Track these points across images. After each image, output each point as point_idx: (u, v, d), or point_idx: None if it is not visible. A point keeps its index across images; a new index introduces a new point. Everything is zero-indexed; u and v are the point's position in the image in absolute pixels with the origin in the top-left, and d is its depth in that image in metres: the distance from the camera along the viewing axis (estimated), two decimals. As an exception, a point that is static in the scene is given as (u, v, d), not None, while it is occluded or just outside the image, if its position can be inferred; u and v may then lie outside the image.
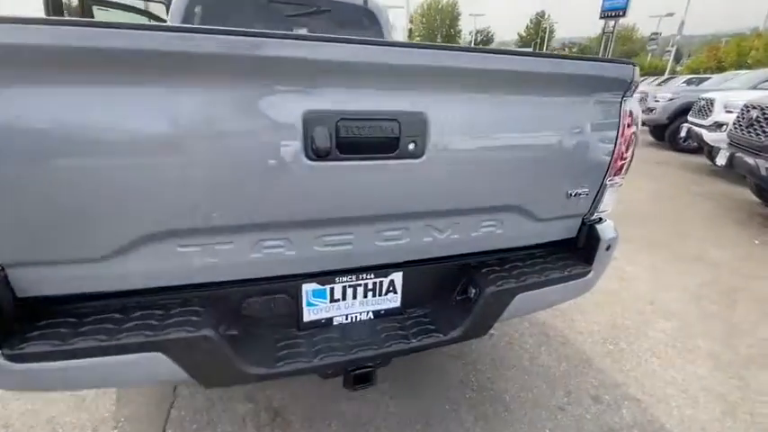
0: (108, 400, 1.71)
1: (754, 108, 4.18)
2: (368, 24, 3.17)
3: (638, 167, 6.89)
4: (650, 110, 8.75)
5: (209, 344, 0.96)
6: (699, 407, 1.80)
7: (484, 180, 1.12)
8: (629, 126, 1.22)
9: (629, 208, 4.44)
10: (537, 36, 58.41)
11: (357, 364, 1.16)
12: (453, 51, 0.95)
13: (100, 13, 3.73)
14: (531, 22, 64.49)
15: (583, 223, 1.37)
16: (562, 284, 1.32)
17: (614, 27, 34.90)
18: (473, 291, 1.25)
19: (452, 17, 63.07)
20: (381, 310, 1.29)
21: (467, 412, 1.72)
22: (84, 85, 0.77)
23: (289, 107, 0.87)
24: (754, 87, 7.38)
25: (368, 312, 1.27)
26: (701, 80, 11.34)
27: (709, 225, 4.14)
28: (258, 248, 1.01)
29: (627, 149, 1.26)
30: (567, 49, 67.11)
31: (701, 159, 7.18)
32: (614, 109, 1.20)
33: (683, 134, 7.18)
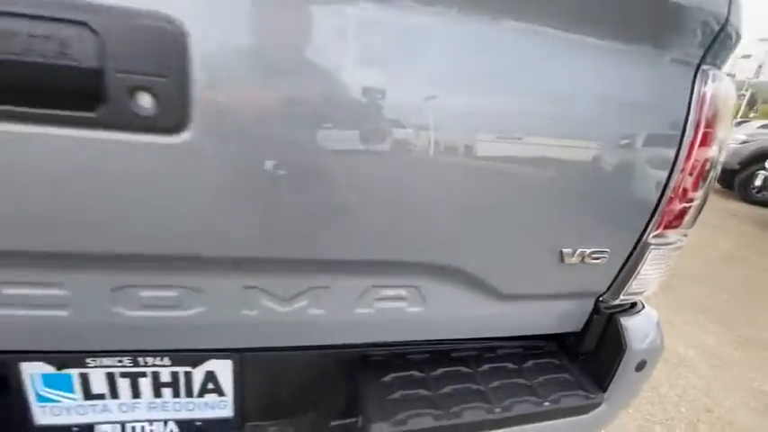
0: None
1: None
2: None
3: (703, 217, 5.80)
4: (718, 152, 7.62)
5: None
6: None
7: (374, 208, 0.52)
8: (707, 128, 0.59)
9: (693, 270, 3.57)
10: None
11: None
12: None
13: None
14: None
15: (596, 310, 0.73)
16: (539, 424, 0.69)
17: (681, 65, 32.79)
18: (359, 418, 0.65)
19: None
20: (196, 420, 0.71)
21: None
22: None
23: None
24: None
25: (166, 422, 0.70)
26: (781, 126, 9.92)
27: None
28: None
29: (698, 179, 0.62)
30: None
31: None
32: (679, 87, 0.57)
33: (757, 183, 6.10)
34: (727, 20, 0.53)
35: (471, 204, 0.56)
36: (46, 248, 0.46)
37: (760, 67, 29.37)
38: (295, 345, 0.64)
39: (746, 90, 33.13)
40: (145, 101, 0.39)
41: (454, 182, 0.54)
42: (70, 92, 0.38)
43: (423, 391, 0.66)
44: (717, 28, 0.54)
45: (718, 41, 0.55)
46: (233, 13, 0.41)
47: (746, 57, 34.93)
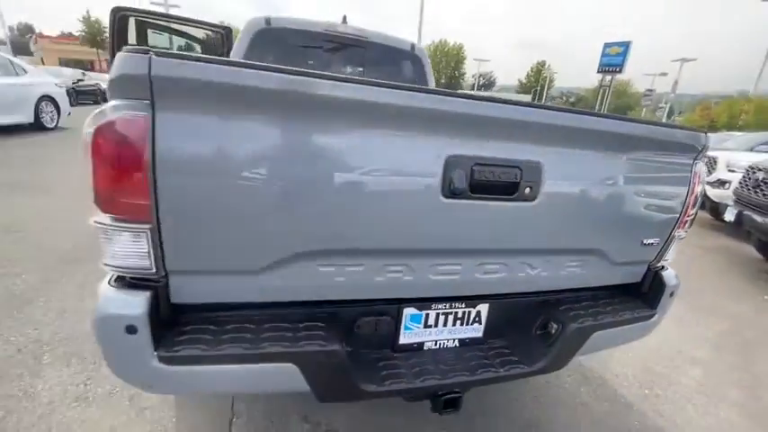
0: (168, 412, 1.73)
1: (760, 170, 4.44)
2: (413, 67, 3.41)
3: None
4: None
5: (337, 359, 1.04)
6: (739, 456, 1.86)
7: (580, 225, 1.25)
8: (697, 185, 1.37)
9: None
10: (537, 84, 60.99)
11: (450, 389, 1.24)
12: (567, 113, 1.10)
13: (154, 36, 3.97)
14: (531, 71, 67.53)
15: (648, 269, 1.49)
16: (630, 326, 1.42)
17: (611, 82, 36.61)
18: (554, 326, 1.34)
19: (458, 60, 65.89)
20: (466, 338, 1.37)
21: (519, 447, 1.76)
22: (276, 120, 0.89)
23: (435, 151, 1.00)
24: (751, 149, 7.79)
25: (454, 340, 1.36)
26: (698, 138, 11.84)
27: (718, 279, 4.29)
28: (382, 272, 1.11)
29: (693, 206, 1.40)
30: (564, 98, 69.83)
31: (702, 214, 7.44)
32: (687, 169, 1.35)
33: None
34: (704, 146, 1.32)
35: (617, 223, 1.30)
36: (469, 247, 1.14)
37: (675, 83, 33.76)
38: (524, 292, 1.33)
39: (666, 103, 37.73)
40: (528, 190, 1.09)
41: (610, 216, 1.28)
42: (509, 190, 1.07)
43: (581, 312, 1.37)
44: (701, 149, 1.32)
45: (701, 153, 1.34)
46: (558, 159, 1.12)
47: (663, 75, 39.97)
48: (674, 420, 2.04)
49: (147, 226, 0.86)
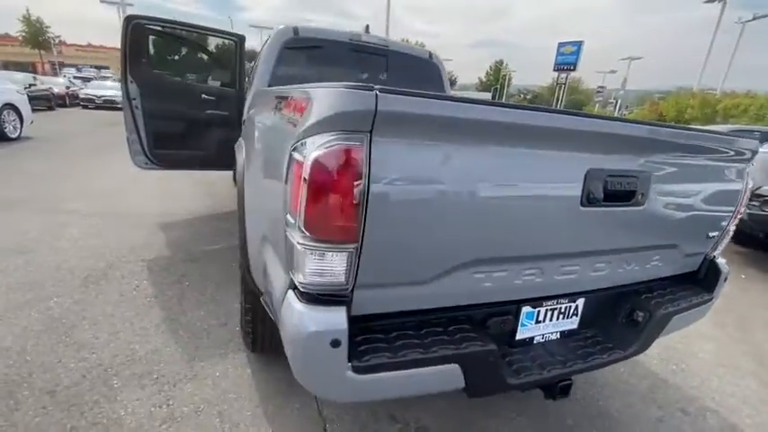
0: (261, 425, 1.76)
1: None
2: (432, 74, 3.55)
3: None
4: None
5: (494, 357, 1.15)
6: (763, 415, 2.14)
7: (669, 222, 1.42)
8: (749, 183, 1.59)
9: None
10: (497, 82, 62.93)
11: (568, 376, 1.37)
12: (668, 128, 1.27)
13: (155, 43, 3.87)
14: (490, 69, 69.60)
15: (705, 259, 1.70)
16: (696, 309, 1.63)
17: (566, 79, 38.49)
18: (641, 314, 1.52)
19: (419, 60, 66.52)
20: (565, 330, 1.51)
21: (588, 427, 1.94)
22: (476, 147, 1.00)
23: (578, 167, 1.13)
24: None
25: (556, 333, 1.50)
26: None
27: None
28: (520, 275, 1.22)
29: (744, 203, 1.62)
30: (522, 95, 72.56)
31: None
32: (743, 170, 1.57)
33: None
34: (756, 150, 1.53)
35: (693, 219, 1.48)
36: (591, 249, 1.28)
37: (625, 80, 36.13)
38: (612, 285, 1.49)
39: (615, 99, 40.25)
40: (641, 196, 1.25)
41: (689, 213, 1.46)
42: (628, 197, 1.22)
43: (659, 300, 1.56)
44: (752, 155, 1.54)
45: (753, 156, 1.56)
46: (659, 167, 1.28)
47: (613, 72, 42.67)
48: (705, 390, 2.30)
49: (353, 246, 0.93)
